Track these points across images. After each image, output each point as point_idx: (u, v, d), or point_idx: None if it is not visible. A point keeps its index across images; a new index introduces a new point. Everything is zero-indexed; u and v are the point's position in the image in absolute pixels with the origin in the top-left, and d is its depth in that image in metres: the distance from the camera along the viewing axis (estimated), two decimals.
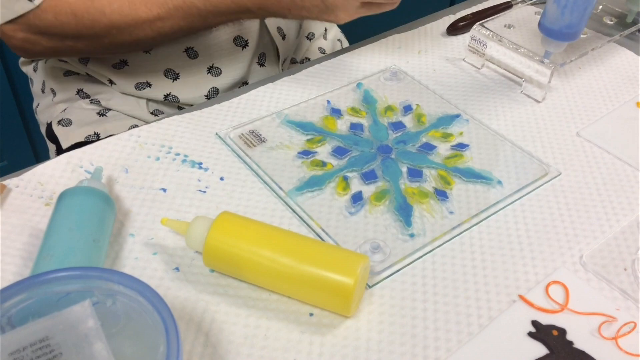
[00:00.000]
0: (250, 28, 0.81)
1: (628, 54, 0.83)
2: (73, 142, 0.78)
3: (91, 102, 0.83)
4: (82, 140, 0.78)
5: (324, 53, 0.97)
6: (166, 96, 0.81)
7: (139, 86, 0.80)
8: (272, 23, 0.83)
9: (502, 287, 0.52)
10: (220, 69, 0.81)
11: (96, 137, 0.78)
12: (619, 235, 0.57)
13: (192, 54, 0.78)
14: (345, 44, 1.02)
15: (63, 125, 0.80)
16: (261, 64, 0.85)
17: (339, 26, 1.03)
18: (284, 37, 0.86)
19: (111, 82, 0.81)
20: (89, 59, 0.79)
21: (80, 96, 0.83)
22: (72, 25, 0.67)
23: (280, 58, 0.87)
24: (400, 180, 0.61)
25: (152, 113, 0.82)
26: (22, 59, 0.91)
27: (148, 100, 0.83)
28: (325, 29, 0.99)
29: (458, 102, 0.73)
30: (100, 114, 0.82)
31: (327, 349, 0.47)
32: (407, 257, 0.54)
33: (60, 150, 0.80)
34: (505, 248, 0.55)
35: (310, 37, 0.96)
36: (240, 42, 0.81)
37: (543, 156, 0.66)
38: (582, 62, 0.81)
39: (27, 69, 0.91)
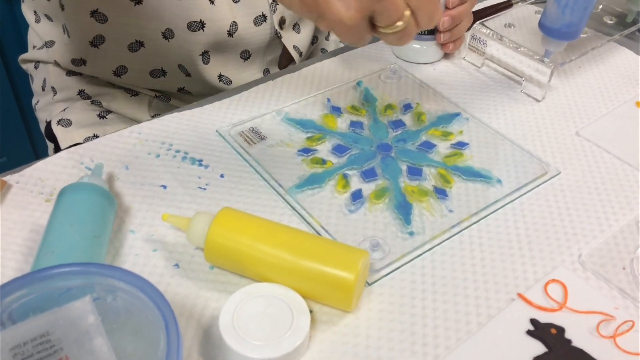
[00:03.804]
0: (260, 44, 0.82)
1: (628, 54, 0.83)
2: (71, 143, 0.78)
3: (92, 103, 0.82)
4: (81, 142, 0.78)
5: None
6: (180, 89, 0.81)
7: (154, 73, 0.80)
8: (288, 42, 0.85)
9: (501, 286, 0.52)
10: (230, 79, 0.82)
11: None
12: (618, 234, 0.57)
13: (206, 59, 0.79)
14: None
15: (62, 125, 0.80)
16: None
17: None
18: (300, 54, 0.87)
19: (122, 71, 0.80)
20: (104, 40, 0.78)
21: (81, 96, 0.83)
22: None
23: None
24: (400, 179, 0.62)
25: (153, 117, 0.82)
26: (22, 57, 0.90)
27: (152, 99, 0.83)
28: (329, 32, 0.99)
29: (458, 100, 0.73)
30: (101, 116, 0.82)
31: (326, 346, 0.47)
32: (407, 255, 0.54)
33: (58, 150, 0.80)
34: (505, 247, 0.56)
35: (313, 41, 0.97)
36: (256, 62, 0.83)
37: (542, 155, 0.66)
38: (582, 61, 0.81)
39: (28, 66, 0.90)
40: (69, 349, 0.37)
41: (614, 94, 0.75)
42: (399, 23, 0.48)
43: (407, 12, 0.48)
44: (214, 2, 0.74)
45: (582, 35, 0.80)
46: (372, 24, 0.49)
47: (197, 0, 0.73)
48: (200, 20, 0.74)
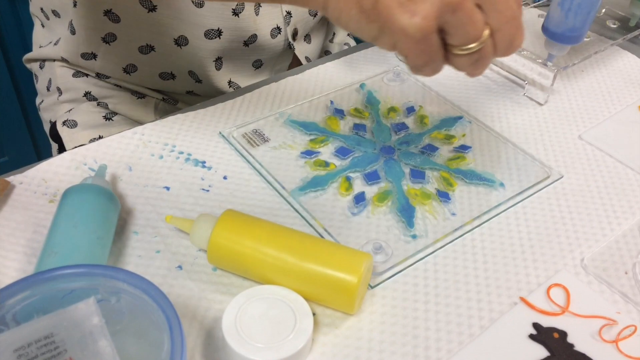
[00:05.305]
0: (273, 54, 0.83)
1: (631, 58, 0.83)
2: (77, 145, 0.78)
3: (98, 105, 0.83)
4: (86, 143, 0.78)
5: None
6: (188, 92, 0.82)
7: (163, 75, 0.81)
8: (300, 53, 0.85)
9: (503, 289, 0.52)
10: (239, 86, 0.83)
11: None
12: (620, 238, 0.57)
13: (219, 65, 0.79)
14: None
15: (68, 127, 0.81)
16: None
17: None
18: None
19: (132, 69, 0.80)
20: (116, 38, 0.77)
21: (87, 98, 0.83)
22: None
23: None
24: (403, 182, 0.62)
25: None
26: (26, 56, 0.90)
27: (158, 102, 0.84)
28: (334, 33, 1.00)
29: (461, 103, 0.73)
30: (107, 118, 0.82)
31: (329, 349, 0.47)
32: (409, 258, 0.54)
33: (62, 150, 0.80)
34: (507, 250, 0.56)
35: None
36: (266, 70, 0.84)
37: (545, 159, 0.66)
38: (585, 65, 0.81)
39: (32, 66, 0.90)
40: (72, 350, 0.37)
41: (616, 98, 0.75)
42: (473, 45, 0.42)
43: (486, 32, 0.42)
44: (239, 15, 0.74)
45: (585, 39, 0.80)
46: (444, 45, 0.43)
47: (219, 10, 0.73)
48: (218, 28, 0.74)
